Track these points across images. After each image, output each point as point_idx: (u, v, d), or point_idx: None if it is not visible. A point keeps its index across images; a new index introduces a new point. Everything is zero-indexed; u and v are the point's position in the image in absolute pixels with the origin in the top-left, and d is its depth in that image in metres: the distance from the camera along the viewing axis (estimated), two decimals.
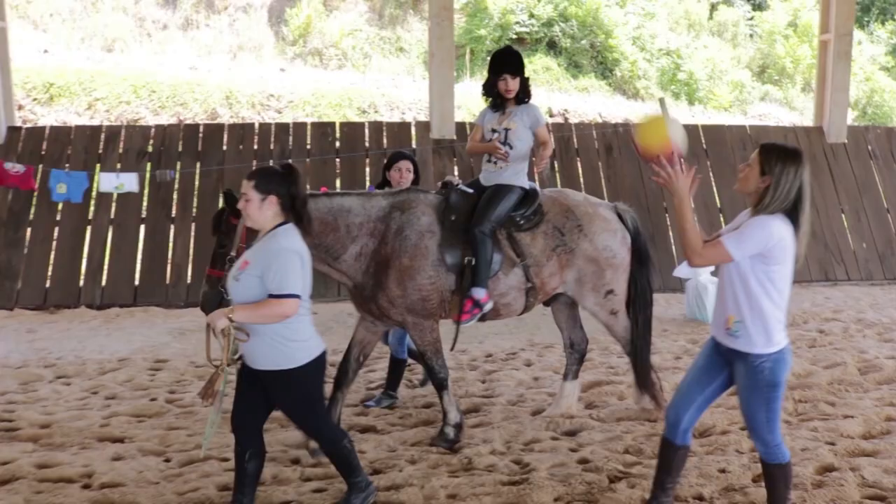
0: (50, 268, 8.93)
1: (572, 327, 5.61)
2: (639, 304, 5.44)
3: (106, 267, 8.89)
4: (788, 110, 20.82)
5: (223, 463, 4.76)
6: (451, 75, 9.56)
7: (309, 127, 9.38)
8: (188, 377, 6.44)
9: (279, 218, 3.86)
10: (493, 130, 5.22)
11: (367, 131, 9.24)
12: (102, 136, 9.35)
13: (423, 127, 9.64)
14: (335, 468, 4.16)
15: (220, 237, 4.52)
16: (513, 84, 5.16)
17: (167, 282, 8.76)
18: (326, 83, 16.34)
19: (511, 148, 5.14)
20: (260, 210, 3.81)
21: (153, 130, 9.45)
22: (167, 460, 4.91)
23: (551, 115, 15.47)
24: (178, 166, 8.91)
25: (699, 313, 8.17)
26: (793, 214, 3.58)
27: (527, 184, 5.24)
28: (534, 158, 5.26)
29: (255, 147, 9.23)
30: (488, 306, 4.97)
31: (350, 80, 17.28)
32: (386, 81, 17.82)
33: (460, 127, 9.68)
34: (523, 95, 5.25)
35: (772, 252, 3.54)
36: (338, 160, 9.02)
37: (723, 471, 4.66)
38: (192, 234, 9.03)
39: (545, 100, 17.60)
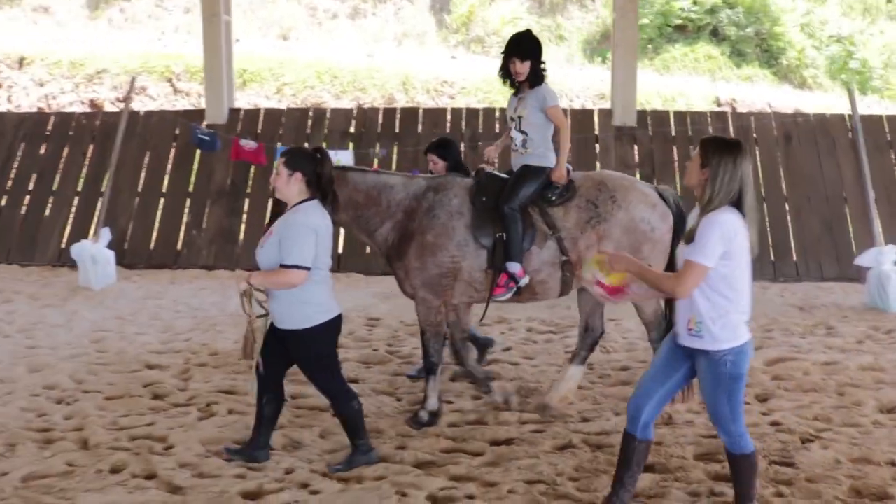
0: None
1: (592, 313, 5.51)
2: None
3: None
4: None
5: (448, 404, 5.47)
6: (633, 65, 9.96)
7: (497, 112, 10.03)
8: (401, 334, 7.25)
9: (304, 194, 4.29)
10: (512, 118, 5.40)
11: None
12: (310, 117, 10.38)
13: (606, 114, 10.09)
14: (343, 427, 4.55)
15: (276, 201, 4.87)
16: (521, 67, 5.23)
17: (367, 251, 9.66)
18: (495, 70, 16.97)
19: (525, 134, 5.28)
20: (287, 185, 4.27)
21: (355, 113, 10.39)
22: (398, 399, 5.68)
23: (718, 105, 15.47)
24: (377, 147, 9.77)
25: (881, 301, 8.25)
26: (739, 207, 3.57)
27: (554, 163, 5.30)
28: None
29: (448, 130, 9.97)
30: (524, 280, 5.09)
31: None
32: (553, 69, 18.19)
33: (641, 115, 10.06)
34: (535, 79, 5.28)
35: (732, 248, 3.54)
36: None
37: None
38: None
39: (709, 89, 17.52)
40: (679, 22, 21.37)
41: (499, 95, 15.41)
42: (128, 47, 18.35)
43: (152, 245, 10.30)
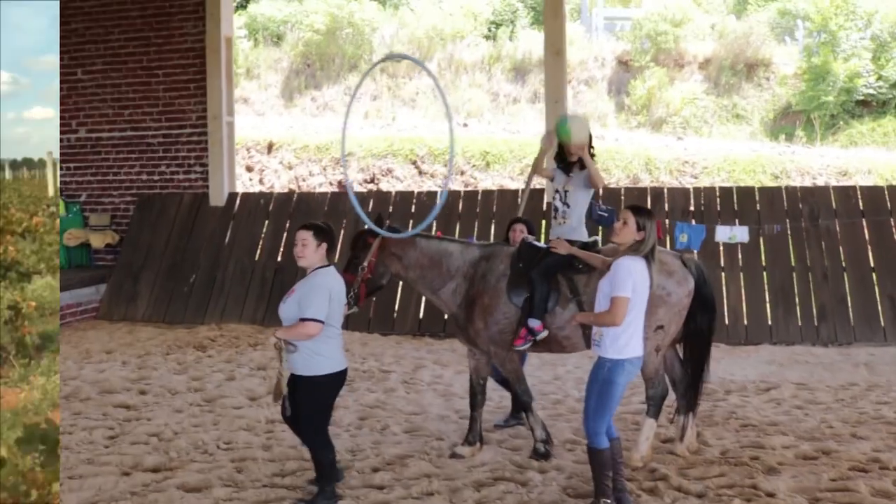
0: None
1: (672, 367, 6.13)
2: (691, 345, 5.97)
3: None
4: None
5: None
6: None
7: (832, 191, 10.84)
8: None
9: (324, 261, 5.05)
10: (557, 191, 6.10)
11: (886, 194, 10.57)
12: (648, 196, 11.34)
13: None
14: (315, 471, 5.18)
15: (356, 250, 6.02)
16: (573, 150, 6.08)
17: (726, 322, 10.19)
18: (725, 149, 17.95)
19: (568, 207, 6.03)
20: (315, 253, 5.00)
21: (692, 192, 11.34)
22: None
23: None
24: (718, 224, 10.57)
25: None
26: (650, 256, 4.84)
27: (586, 237, 6.03)
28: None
29: (785, 207, 10.83)
30: (542, 335, 5.79)
31: (752, 147, 18.66)
32: (783, 149, 19.00)
33: None
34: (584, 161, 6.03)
35: (635, 285, 4.73)
36: (864, 222, 10.42)
37: None
38: (742, 281, 10.38)
39: None
40: (862, 98, 22.12)
41: (743, 174, 16.39)
42: (363, 133, 19.93)
43: None
